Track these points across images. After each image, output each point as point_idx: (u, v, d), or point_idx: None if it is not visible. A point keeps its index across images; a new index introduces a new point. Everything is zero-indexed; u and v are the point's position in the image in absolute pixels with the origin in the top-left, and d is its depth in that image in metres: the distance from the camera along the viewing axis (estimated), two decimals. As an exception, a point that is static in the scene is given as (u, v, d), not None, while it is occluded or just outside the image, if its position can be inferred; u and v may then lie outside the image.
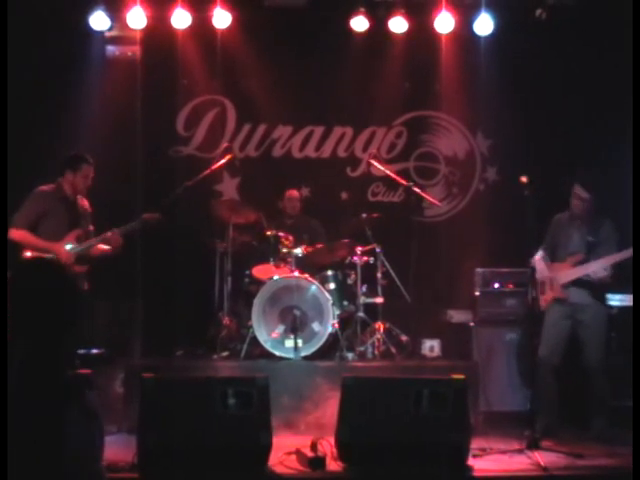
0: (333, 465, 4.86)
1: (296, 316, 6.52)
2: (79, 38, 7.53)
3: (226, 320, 6.84)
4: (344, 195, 8.25)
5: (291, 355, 6.44)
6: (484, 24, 7.58)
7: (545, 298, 6.04)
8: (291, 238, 6.99)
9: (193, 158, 8.08)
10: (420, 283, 7.22)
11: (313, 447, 4.95)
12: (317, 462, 4.83)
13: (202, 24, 7.61)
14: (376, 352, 6.81)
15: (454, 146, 8.36)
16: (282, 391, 5.93)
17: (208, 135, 8.15)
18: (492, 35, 7.65)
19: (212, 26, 7.59)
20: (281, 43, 7.88)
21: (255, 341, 6.54)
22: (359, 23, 7.64)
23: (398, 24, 7.66)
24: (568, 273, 5.95)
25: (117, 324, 7.08)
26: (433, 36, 7.74)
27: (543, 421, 5.75)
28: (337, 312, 6.76)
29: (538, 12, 7.62)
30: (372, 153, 7.69)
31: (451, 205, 8.33)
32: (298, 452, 5.04)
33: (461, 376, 5.03)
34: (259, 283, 6.87)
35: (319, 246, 7.22)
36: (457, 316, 7.16)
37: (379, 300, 6.96)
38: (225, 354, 6.68)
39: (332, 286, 6.95)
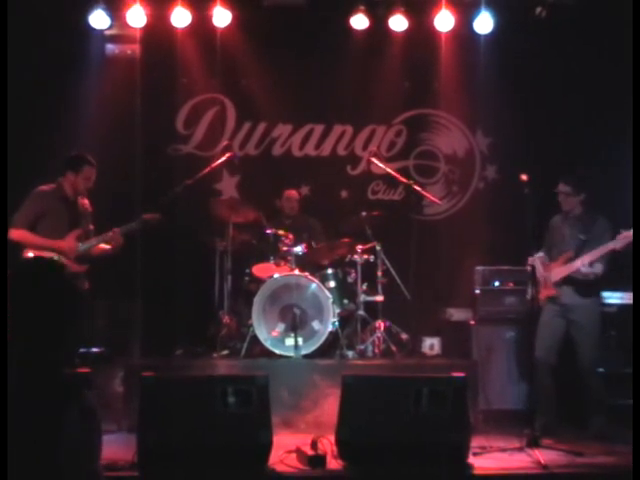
0: (333, 463, 4.85)
1: (296, 314, 6.52)
2: (79, 37, 7.54)
3: (226, 319, 6.83)
4: (344, 193, 8.25)
5: (291, 353, 6.44)
6: (484, 23, 7.58)
7: (540, 297, 6.05)
8: (291, 236, 7.00)
9: (192, 157, 8.08)
10: (420, 281, 7.22)
11: (313, 445, 4.95)
12: (317, 460, 4.82)
13: (202, 23, 7.61)
14: (376, 350, 6.81)
15: (454, 144, 8.35)
16: (282, 389, 5.93)
17: (208, 134, 8.15)
18: (492, 34, 7.65)
19: (212, 25, 7.59)
20: (281, 42, 7.87)
21: (255, 340, 6.54)
22: (359, 21, 7.64)
23: (398, 22, 7.66)
24: (558, 271, 5.98)
25: (117, 323, 7.07)
26: (433, 34, 7.74)
27: (541, 420, 5.73)
28: (337, 310, 6.76)
29: (538, 11, 7.63)
30: (372, 151, 7.67)
31: (451, 203, 8.33)
32: (298, 450, 5.03)
33: (461, 374, 5.04)
34: (259, 282, 6.87)
35: (319, 245, 7.23)
36: (457, 314, 7.17)
37: (379, 298, 6.96)
38: (225, 353, 6.68)
39: (332, 284, 6.95)
